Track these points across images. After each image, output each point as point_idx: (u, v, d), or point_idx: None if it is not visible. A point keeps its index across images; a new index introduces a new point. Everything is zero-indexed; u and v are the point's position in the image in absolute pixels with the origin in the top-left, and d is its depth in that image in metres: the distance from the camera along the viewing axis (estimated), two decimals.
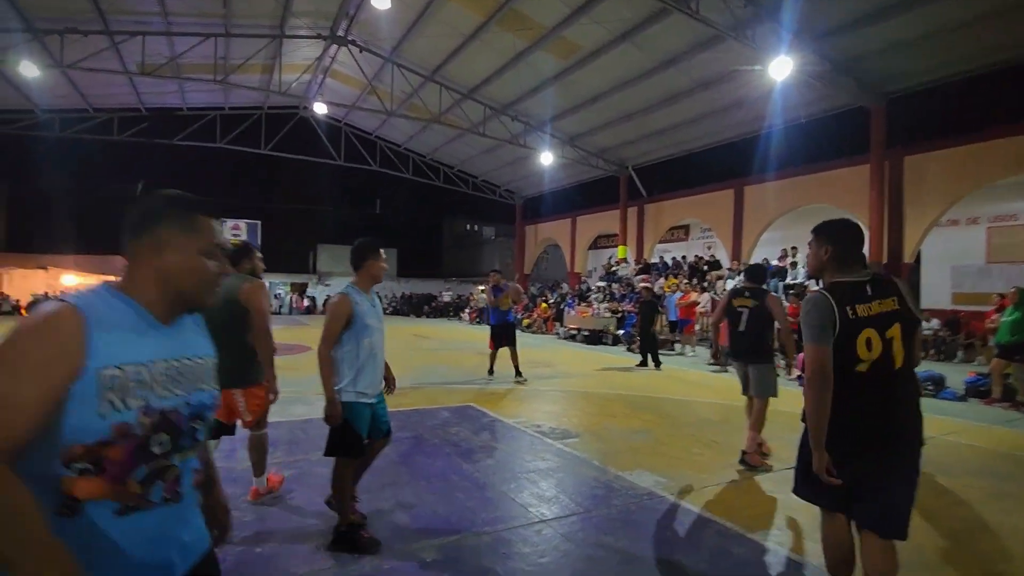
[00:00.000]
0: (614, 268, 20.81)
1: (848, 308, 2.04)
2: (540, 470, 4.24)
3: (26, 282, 23.67)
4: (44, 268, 24.02)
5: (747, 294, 4.77)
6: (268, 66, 17.19)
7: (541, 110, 17.79)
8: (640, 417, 6.14)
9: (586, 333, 15.56)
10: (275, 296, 31.60)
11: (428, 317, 29.74)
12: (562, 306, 18.94)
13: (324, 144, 22.43)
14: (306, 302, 31.76)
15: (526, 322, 20.09)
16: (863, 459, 2.05)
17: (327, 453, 2.94)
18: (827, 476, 2.02)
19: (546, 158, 19.41)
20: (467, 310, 25.90)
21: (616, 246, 22.72)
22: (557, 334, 17.70)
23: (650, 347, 10.40)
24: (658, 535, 3.16)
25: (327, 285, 33.68)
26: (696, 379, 9.36)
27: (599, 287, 19.66)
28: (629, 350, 13.20)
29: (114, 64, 14.92)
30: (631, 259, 21.35)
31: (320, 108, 18.70)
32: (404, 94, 17.99)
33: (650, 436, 5.33)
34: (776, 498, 3.77)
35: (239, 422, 3.50)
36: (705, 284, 15.43)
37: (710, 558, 2.91)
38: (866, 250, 11.69)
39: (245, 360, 3.37)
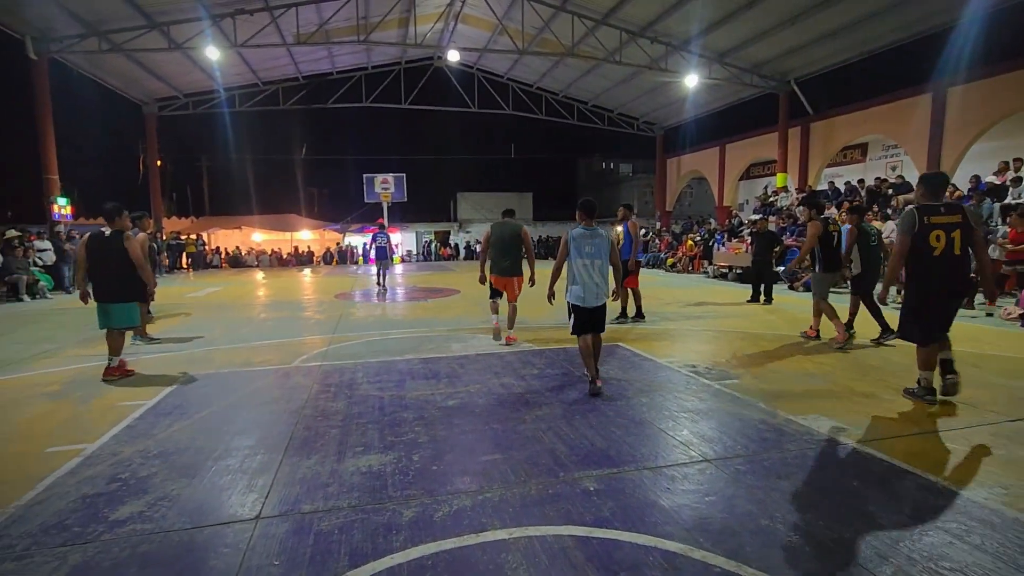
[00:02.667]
0: (771, 199, 18.71)
1: (925, 217, 3.81)
2: (699, 410, 4.00)
3: (228, 240, 28.15)
4: (239, 228, 28.26)
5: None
6: (404, 19, 17.69)
7: (685, 26, 16.08)
8: (812, 360, 5.51)
9: (739, 271, 14.38)
10: (423, 244, 33.86)
11: None
12: (710, 243, 17.62)
13: (459, 92, 22.87)
14: (448, 250, 33.34)
15: (670, 261, 19.16)
16: (939, 307, 3.90)
17: (604, 330, 4.67)
18: (886, 299, 4.37)
19: (691, 80, 17.71)
20: None
21: (773, 174, 20.34)
22: (705, 273, 16.64)
23: (765, 280, 10.00)
24: (844, 483, 2.81)
25: (468, 232, 35.13)
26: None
27: (752, 221, 17.89)
28: (791, 288, 11.94)
29: (275, 38, 16.43)
30: (792, 187, 19.00)
31: (453, 55, 18.91)
32: (535, 29, 17.43)
33: (827, 380, 4.76)
34: (990, 452, 3.15)
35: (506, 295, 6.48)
36: (889, 210, 13.18)
37: (910, 511, 2.51)
38: None
39: (518, 264, 6.40)
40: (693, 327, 7.57)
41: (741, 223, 18.50)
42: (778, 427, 3.61)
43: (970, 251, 3.91)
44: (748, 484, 2.83)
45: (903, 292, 4.08)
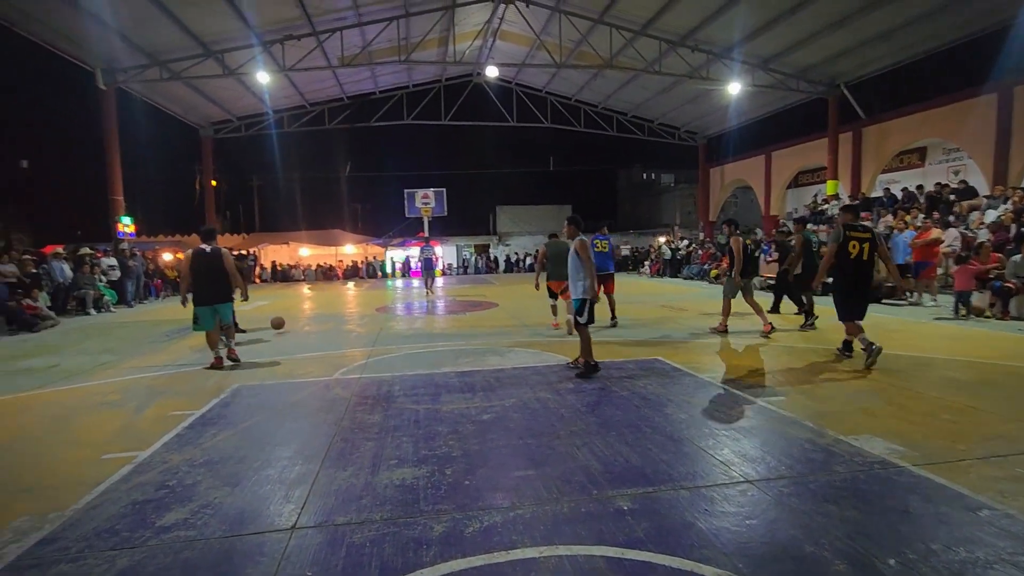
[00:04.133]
0: (822, 207, 18.00)
1: (848, 231, 5.63)
2: (741, 428, 3.85)
3: (276, 255, 29.22)
4: (287, 244, 29.31)
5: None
6: (443, 38, 18.12)
7: (727, 34, 15.80)
8: (865, 376, 5.22)
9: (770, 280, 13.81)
10: (463, 258, 34.23)
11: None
12: (756, 254, 17.02)
13: (497, 107, 23.16)
14: (480, 262, 33.42)
15: (714, 272, 18.64)
16: (851, 294, 5.72)
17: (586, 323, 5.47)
18: (817, 285, 6.34)
19: (734, 88, 17.36)
20: (647, 263, 24.98)
21: (823, 181, 19.60)
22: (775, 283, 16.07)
23: (793, 291, 9.22)
24: (898, 510, 2.63)
25: (507, 245, 35.28)
26: (938, 332, 7.70)
27: (784, 232, 17.18)
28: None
29: (321, 61, 17.11)
30: (844, 195, 18.24)
31: (492, 71, 19.19)
32: (573, 43, 17.50)
33: (880, 398, 4.50)
34: None
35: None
36: (951, 217, 12.44)
37: (972, 542, 2.31)
38: None
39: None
40: (736, 341, 7.33)
41: (789, 233, 17.85)
42: (826, 447, 3.43)
43: (876, 257, 5.76)
44: (793, 507, 2.69)
45: (833, 284, 6.00)
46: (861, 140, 18.37)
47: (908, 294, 11.13)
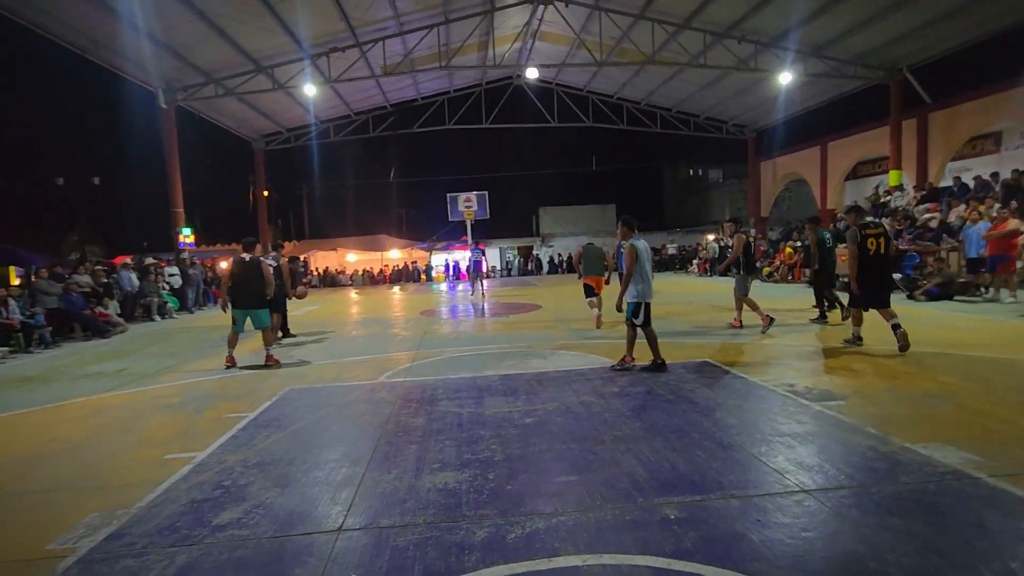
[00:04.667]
0: (884, 199, 17.01)
1: (863, 230, 6.12)
2: (796, 434, 3.66)
3: (325, 260, 30.15)
4: (335, 249, 30.19)
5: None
6: (483, 42, 18.24)
7: (775, 22, 15.17)
8: (936, 379, 4.87)
9: (845, 279, 13.13)
10: (506, 261, 34.36)
11: (655, 271, 28.81)
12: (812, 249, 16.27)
13: (538, 108, 23.08)
14: (530, 265, 33.50)
15: (767, 270, 17.96)
16: (876, 286, 6.13)
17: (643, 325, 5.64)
18: (857, 289, 6.18)
19: (784, 78, 16.65)
20: (695, 261, 24.33)
21: (885, 171, 18.53)
22: (807, 282, 15.39)
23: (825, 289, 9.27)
24: (974, 525, 2.42)
25: (551, 247, 35.11)
26: (1019, 331, 7.12)
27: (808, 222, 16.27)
28: (910, 297, 10.73)
29: (364, 71, 17.54)
30: (908, 185, 17.18)
31: (532, 73, 19.16)
32: (613, 40, 17.25)
33: (953, 402, 4.18)
34: None
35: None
36: None
37: None
38: None
39: (603, 268, 8.98)
40: (791, 342, 7.01)
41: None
42: (891, 456, 3.21)
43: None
44: (854, 520, 2.53)
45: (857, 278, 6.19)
46: (927, 126, 17.26)
47: (983, 290, 10.35)
